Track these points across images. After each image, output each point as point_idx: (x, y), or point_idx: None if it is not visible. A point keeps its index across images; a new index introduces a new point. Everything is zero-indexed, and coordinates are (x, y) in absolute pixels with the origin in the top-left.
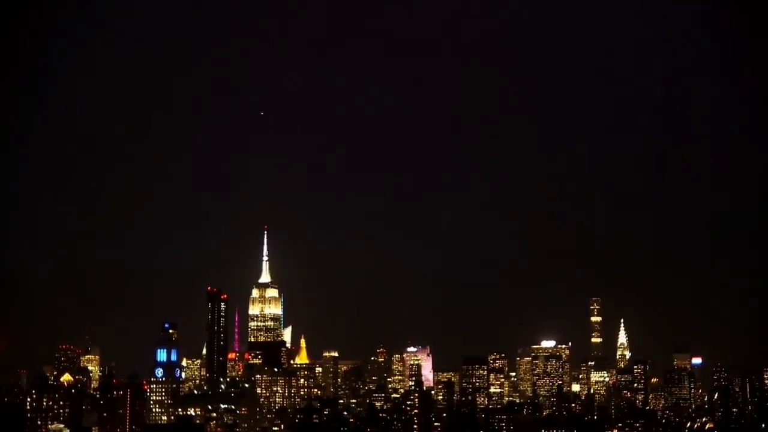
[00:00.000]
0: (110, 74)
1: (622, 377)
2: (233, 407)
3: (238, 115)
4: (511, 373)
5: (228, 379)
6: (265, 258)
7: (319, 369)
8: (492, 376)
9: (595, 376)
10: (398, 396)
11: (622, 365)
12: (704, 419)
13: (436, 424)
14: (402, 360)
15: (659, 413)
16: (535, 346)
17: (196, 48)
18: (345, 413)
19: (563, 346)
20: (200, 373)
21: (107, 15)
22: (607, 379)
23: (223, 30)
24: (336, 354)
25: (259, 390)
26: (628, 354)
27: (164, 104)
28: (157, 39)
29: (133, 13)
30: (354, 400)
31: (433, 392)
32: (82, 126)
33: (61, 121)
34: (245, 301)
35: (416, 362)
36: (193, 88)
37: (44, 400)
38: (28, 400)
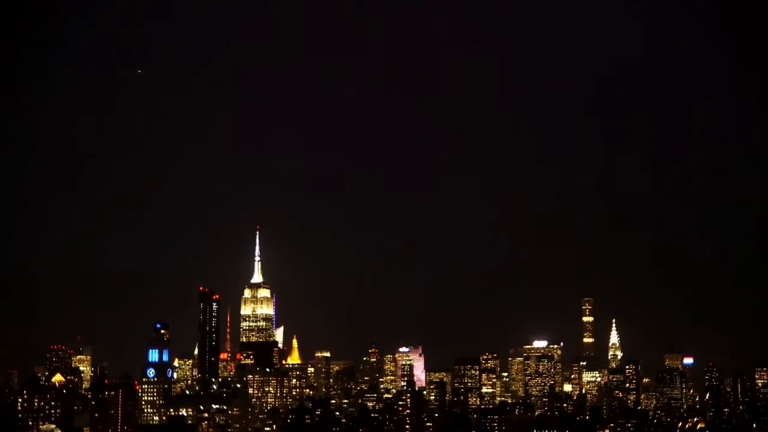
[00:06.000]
0: (110, 75)
1: (613, 377)
2: (225, 407)
3: (233, 116)
4: (503, 374)
5: (220, 380)
6: (258, 258)
7: (311, 369)
8: (484, 376)
9: (587, 376)
10: (390, 396)
11: (614, 365)
12: (696, 419)
13: (428, 424)
14: (394, 360)
15: (651, 413)
16: (527, 347)
17: (194, 50)
18: (337, 413)
19: (555, 346)
20: (192, 373)
21: (108, 17)
22: (599, 379)
23: (222, 31)
24: (328, 354)
25: (250, 390)
26: (619, 354)
27: (162, 106)
28: (157, 41)
29: (133, 14)
30: (346, 401)
31: (425, 392)
32: (82, 127)
33: (61, 122)
34: (237, 301)
35: (408, 362)
36: (190, 89)
37: (35, 400)
38: (20, 400)
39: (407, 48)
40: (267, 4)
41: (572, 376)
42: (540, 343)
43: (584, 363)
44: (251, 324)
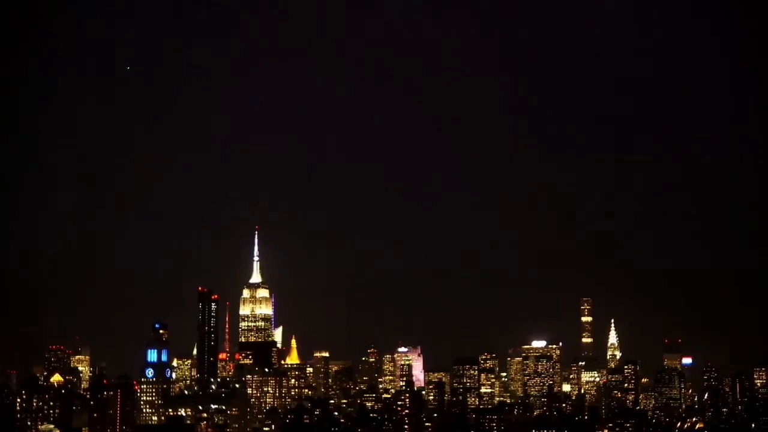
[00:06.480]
0: (110, 75)
1: (612, 377)
2: (224, 408)
3: (232, 116)
4: (501, 374)
5: (218, 380)
6: (256, 258)
7: (309, 369)
8: (483, 376)
9: (586, 376)
10: (389, 396)
11: (612, 365)
12: (694, 419)
13: (427, 424)
14: (393, 360)
15: (650, 413)
16: (525, 347)
17: (194, 48)
18: (336, 414)
19: (554, 346)
20: (191, 373)
21: (108, 16)
22: (597, 379)
23: (222, 31)
24: (327, 354)
25: (249, 390)
26: (618, 354)
27: (161, 106)
28: (156, 39)
29: (132, 14)
30: (345, 401)
31: (423, 392)
32: (81, 126)
33: (61, 121)
34: (236, 301)
35: (407, 362)
36: (190, 88)
37: (34, 400)
38: (18, 400)
39: (408, 48)
40: (267, 3)
41: (571, 376)
42: (539, 343)
43: (583, 363)
44: (250, 324)
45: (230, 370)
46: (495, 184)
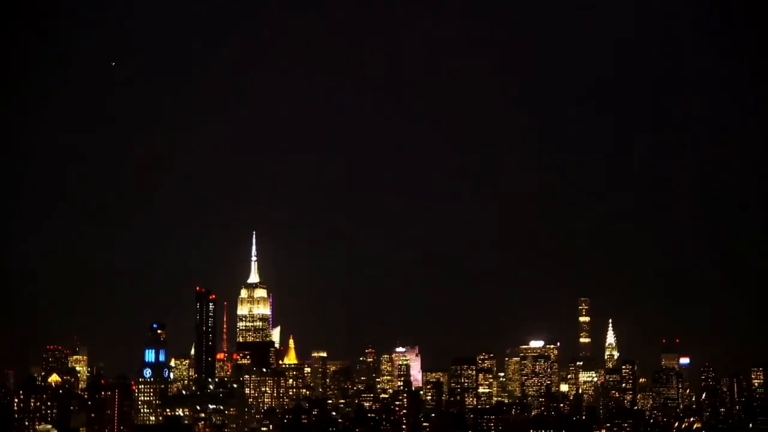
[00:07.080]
0: (110, 76)
1: (610, 377)
2: (222, 407)
3: (232, 116)
4: (499, 374)
5: (216, 380)
6: (254, 258)
7: (307, 369)
8: (481, 376)
9: (584, 376)
10: (387, 396)
11: (610, 365)
12: (692, 419)
13: (425, 424)
14: (391, 360)
15: (647, 413)
16: (523, 346)
17: (195, 48)
18: (334, 413)
19: (552, 346)
20: (189, 373)
21: (107, 15)
22: (595, 379)
23: (222, 32)
24: (324, 354)
25: (247, 390)
26: (616, 354)
27: (161, 107)
28: (156, 38)
29: (133, 12)
30: (343, 401)
31: (421, 392)
32: (81, 127)
33: (61, 122)
34: (234, 301)
35: (405, 362)
36: (190, 90)
37: (32, 400)
38: (16, 400)
39: (407, 50)
40: (267, 5)
41: (569, 376)
42: (536, 343)
43: (581, 363)
44: (248, 324)
45: (228, 370)
46: (495, 184)
